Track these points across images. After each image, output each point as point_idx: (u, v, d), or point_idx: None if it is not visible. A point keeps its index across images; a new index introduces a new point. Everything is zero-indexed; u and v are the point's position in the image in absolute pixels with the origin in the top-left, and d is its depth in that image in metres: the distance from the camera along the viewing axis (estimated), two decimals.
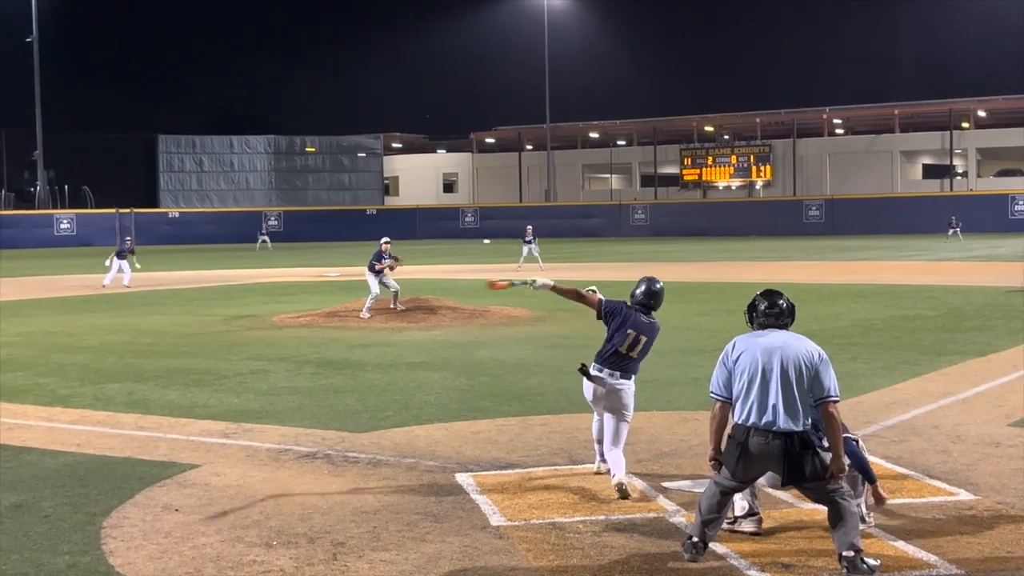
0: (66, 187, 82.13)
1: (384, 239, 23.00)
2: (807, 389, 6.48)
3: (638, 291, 8.59)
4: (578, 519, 7.49)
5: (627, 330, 8.41)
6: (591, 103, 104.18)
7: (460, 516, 7.60)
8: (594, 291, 8.75)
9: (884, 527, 7.21)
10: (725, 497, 6.69)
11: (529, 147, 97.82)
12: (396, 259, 22.45)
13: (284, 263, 44.75)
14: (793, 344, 6.62)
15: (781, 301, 6.86)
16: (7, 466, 9.37)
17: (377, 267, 22.03)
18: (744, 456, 6.51)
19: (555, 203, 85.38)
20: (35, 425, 11.23)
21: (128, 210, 75.31)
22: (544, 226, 77.18)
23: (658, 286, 8.62)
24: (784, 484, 6.76)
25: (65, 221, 73.99)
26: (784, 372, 6.49)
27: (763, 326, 6.80)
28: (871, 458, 8.43)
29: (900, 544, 6.88)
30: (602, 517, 7.54)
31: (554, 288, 8.84)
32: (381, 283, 21.99)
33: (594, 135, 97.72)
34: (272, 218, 79.21)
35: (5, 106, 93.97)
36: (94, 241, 71.40)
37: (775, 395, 6.47)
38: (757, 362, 6.55)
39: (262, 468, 9.15)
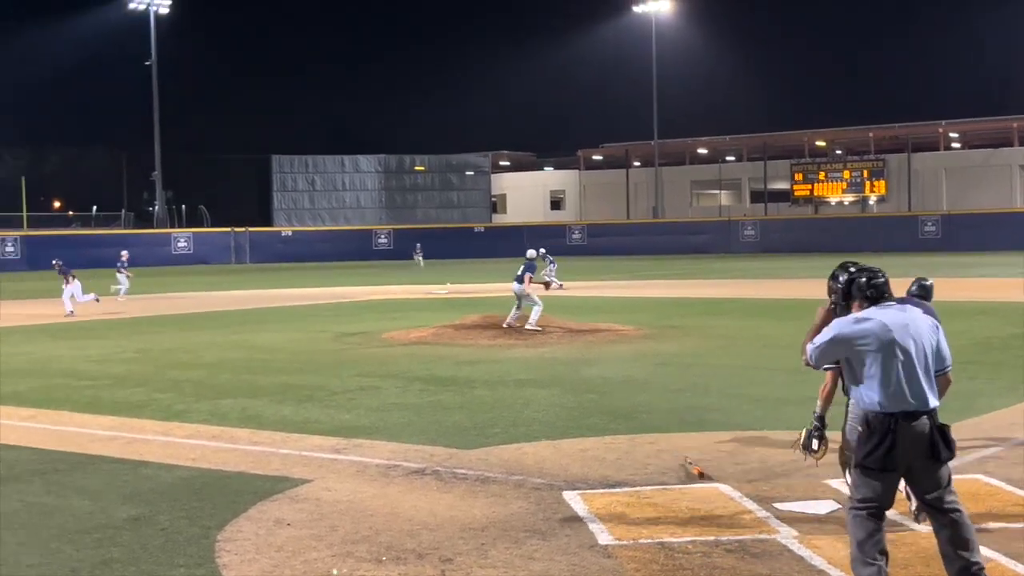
0: (183, 207, 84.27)
1: (530, 251, 22.66)
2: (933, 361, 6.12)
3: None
4: (687, 539, 7.40)
5: None
6: (699, 119, 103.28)
7: (568, 535, 7.57)
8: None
9: (1008, 552, 6.98)
10: (876, 520, 6.02)
11: (637, 164, 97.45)
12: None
13: (394, 280, 45.23)
14: (916, 316, 6.21)
15: (879, 270, 6.42)
16: (125, 479, 9.61)
17: (528, 280, 21.50)
18: (893, 445, 5.92)
19: (663, 220, 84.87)
20: (152, 439, 11.50)
21: (243, 229, 77.01)
22: (652, 243, 76.95)
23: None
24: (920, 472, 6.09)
25: (182, 240, 75.86)
26: (920, 348, 6.07)
27: (875, 300, 6.28)
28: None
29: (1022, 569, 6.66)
30: (712, 538, 7.43)
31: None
32: (524, 296, 21.53)
33: (703, 151, 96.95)
34: (382, 236, 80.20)
35: (126, 129, 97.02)
36: (210, 259, 73.13)
37: (922, 374, 6.04)
38: (893, 341, 6.02)
39: (372, 484, 9.24)
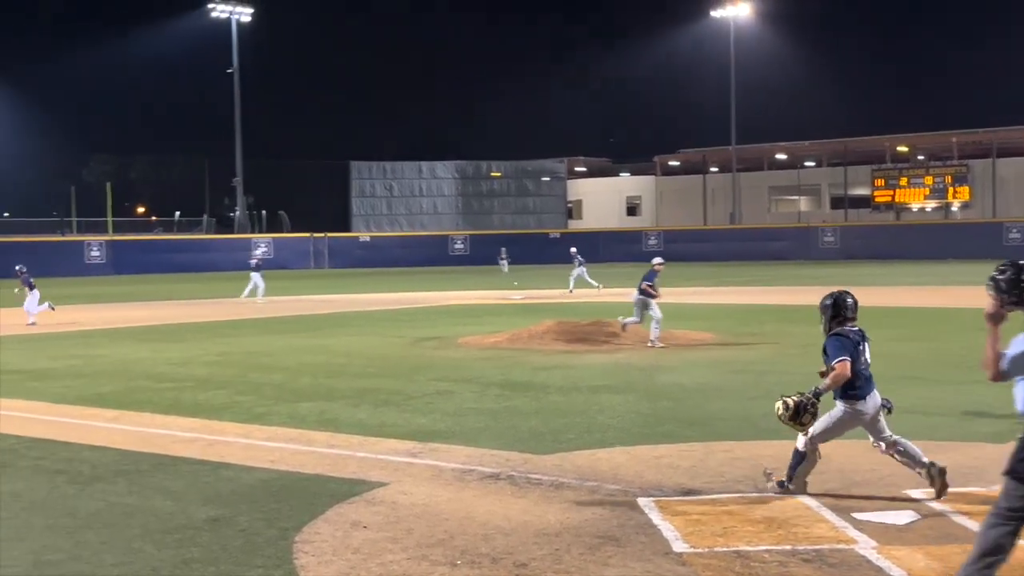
0: (264, 212, 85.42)
1: (657, 260, 21.29)
2: None
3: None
4: (763, 548, 7.35)
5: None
6: (778, 124, 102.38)
7: (642, 541, 7.55)
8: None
9: None
10: (1012, 537, 5.80)
11: (714, 169, 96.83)
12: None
13: (470, 286, 45.42)
14: None
15: None
16: (206, 480, 9.78)
17: (652, 291, 20.33)
18: None
19: (740, 226, 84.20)
20: (233, 441, 11.69)
21: (322, 234, 77.85)
22: (728, 249, 76.34)
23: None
24: None
25: (262, 245, 76.93)
26: None
27: None
28: None
29: None
30: (788, 547, 7.37)
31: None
32: (646, 310, 20.41)
33: (781, 156, 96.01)
34: (459, 241, 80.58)
35: (208, 135, 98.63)
36: (290, 264, 73.99)
37: None
38: None
39: (447, 488, 9.30)
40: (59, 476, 10.05)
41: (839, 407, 8.68)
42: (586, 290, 39.22)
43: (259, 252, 38.46)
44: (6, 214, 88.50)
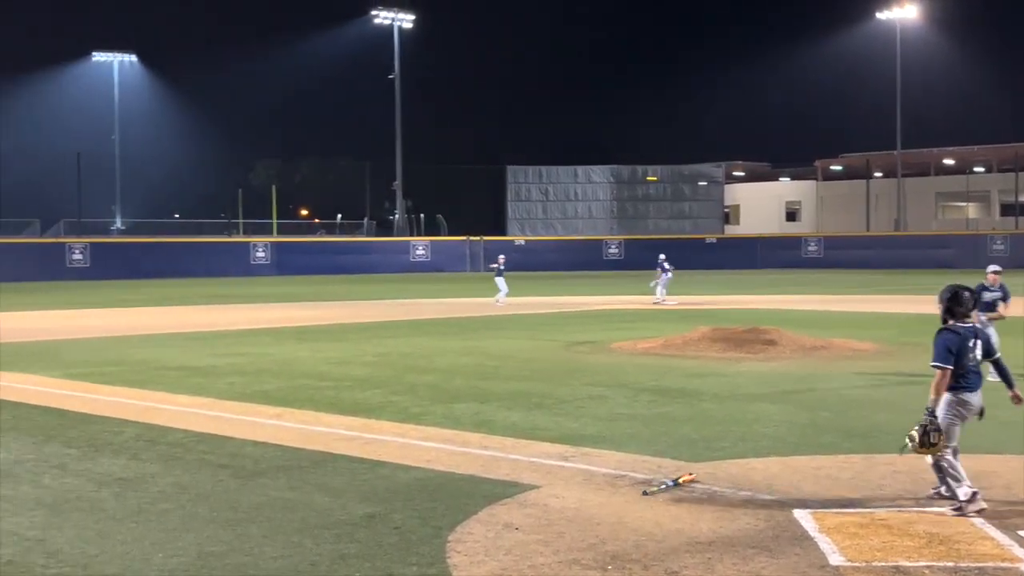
0: (422, 215, 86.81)
1: (992, 267, 17.84)
2: None
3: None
4: (924, 564, 7.12)
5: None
6: (945, 128, 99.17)
7: (797, 553, 7.41)
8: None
9: None
10: None
11: (878, 174, 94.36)
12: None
13: (624, 291, 45.27)
14: None
15: None
16: (363, 478, 9.98)
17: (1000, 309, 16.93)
18: None
19: (905, 232, 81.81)
20: (389, 440, 11.91)
21: (478, 237, 78.66)
22: (892, 257, 74.22)
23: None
24: None
25: (420, 248, 78.12)
26: None
27: None
28: None
29: None
30: (951, 564, 7.13)
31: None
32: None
33: (949, 161, 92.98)
34: (613, 246, 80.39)
35: (369, 140, 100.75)
36: (446, 267, 75.01)
37: None
38: None
39: (598, 492, 9.29)
40: (223, 470, 10.40)
41: (946, 399, 8.58)
42: (729, 296, 38.57)
43: (501, 258, 39.27)
44: (176, 216, 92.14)
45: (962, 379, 8.52)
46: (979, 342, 8.61)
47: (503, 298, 37.19)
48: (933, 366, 8.56)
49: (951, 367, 8.48)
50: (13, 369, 18.98)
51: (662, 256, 39.15)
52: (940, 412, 8.55)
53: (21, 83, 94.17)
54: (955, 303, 8.74)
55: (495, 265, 38.82)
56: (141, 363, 19.86)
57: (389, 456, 10.94)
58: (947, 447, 8.50)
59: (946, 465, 8.49)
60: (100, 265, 65.71)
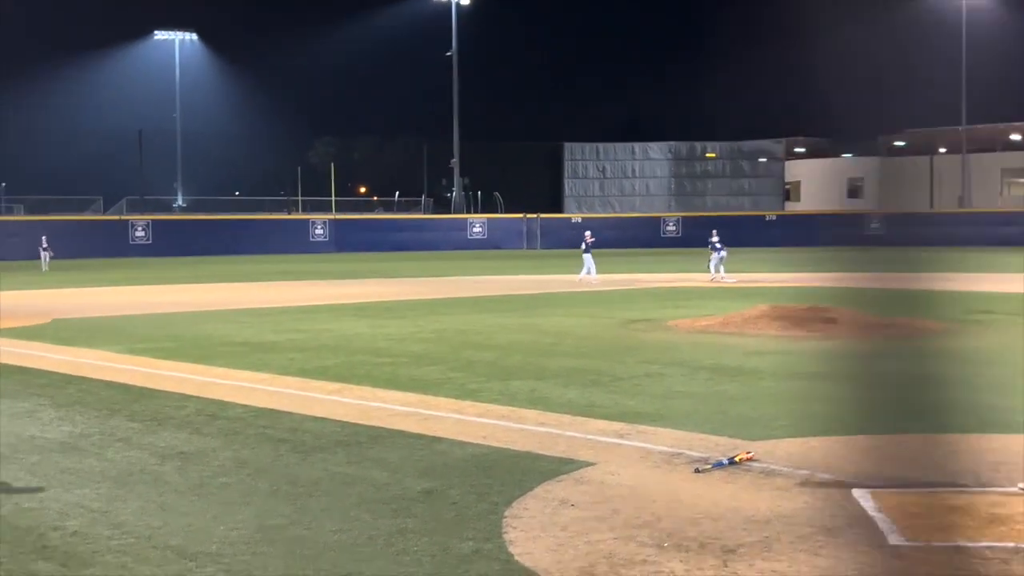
0: (479, 193, 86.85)
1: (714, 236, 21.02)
2: None
3: None
4: (985, 544, 7.04)
5: None
6: (1012, 102, 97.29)
7: (856, 532, 7.35)
8: None
9: None
10: None
11: (942, 150, 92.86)
12: None
13: (682, 268, 45.04)
14: None
15: None
16: (421, 454, 10.05)
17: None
18: None
19: (969, 210, 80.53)
20: (446, 416, 11.97)
21: (535, 215, 78.61)
22: (957, 234, 73.04)
23: None
24: None
25: (477, 225, 78.23)
26: None
27: None
28: None
29: None
30: (1011, 544, 7.04)
31: None
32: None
33: (1015, 137, 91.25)
34: (671, 223, 79.97)
35: (427, 118, 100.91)
36: (503, 244, 75.07)
37: None
38: None
39: (655, 470, 9.27)
40: (283, 445, 10.52)
41: None
42: (789, 274, 38.18)
43: (589, 234, 39.71)
44: (237, 193, 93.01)
45: None
46: None
47: (586, 275, 37.35)
48: None
49: None
50: (78, 344, 19.31)
51: (714, 233, 38.95)
52: None
53: (84, 63, 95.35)
54: None
55: (586, 242, 39.07)
56: (202, 339, 20.11)
57: (446, 432, 11.00)
58: None
59: None
60: (162, 242, 66.59)
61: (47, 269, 49.07)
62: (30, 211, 75.85)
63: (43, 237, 52.42)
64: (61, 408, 12.65)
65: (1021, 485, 8.31)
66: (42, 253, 51.22)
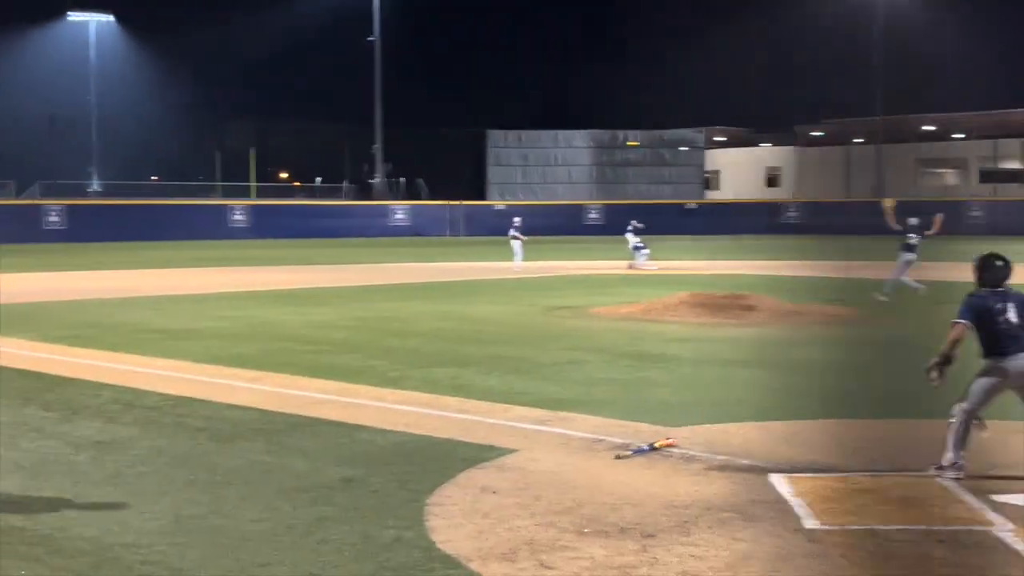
0: (402, 180, 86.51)
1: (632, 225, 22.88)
2: None
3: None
4: (897, 527, 7.20)
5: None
6: (925, 94, 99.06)
7: (772, 516, 7.47)
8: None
9: None
10: None
11: (858, 140, 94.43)
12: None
13: (604, 256, 45.30)
14: None
15: None
16: (341, 442, 10.00)
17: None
18: None
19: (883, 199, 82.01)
20: (368, 404, 11.91)
21: (458, 202, 78.51)
22: (872, 223, 74.32)
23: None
24: None
25: (400, 212, 77.91)
26: None
27: None
28: None
29: None
30: (923, 527, 7.21)
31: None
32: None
33: (929, 128, 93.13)
34: (593, 211, 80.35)
35: (348, 103, 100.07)
36: (426, 231, 74.82)
37: None
38: None
39: (576, 456, 9.33)
40: (201, 433, 10.39)
41: (981, 366, 8.61)
42: (709, 262, 38.64)
43: (517, 221, 39.78)
44: (154, 177, 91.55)
45: (999, 342, 8.49)
46: (1011, 305, 8.58)
47: (520, 261, 37.63)
48: (953, 324, 8.67)
49: (962, 322, 8.56)
50: None
51: (631, 223, 39.41)
52: (976, 377, 8.62)
53: None
54: (981, 270, 8.86)
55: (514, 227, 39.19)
56: (119, 326, 19.79)
57: (367, 420, 10.96)
58: (964, 409, 8.53)
59: (953, 423, 8.54)
60: (77, 227, 65.24)
61: None
62: None
63: None
64: None
65: (934, 468, 8.51)
66: None
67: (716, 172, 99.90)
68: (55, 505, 7.92)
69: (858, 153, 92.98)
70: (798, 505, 7.71)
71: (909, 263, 24.88)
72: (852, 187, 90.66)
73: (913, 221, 25.56)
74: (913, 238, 25.23)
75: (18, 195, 77.15)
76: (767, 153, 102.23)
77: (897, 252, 25.44)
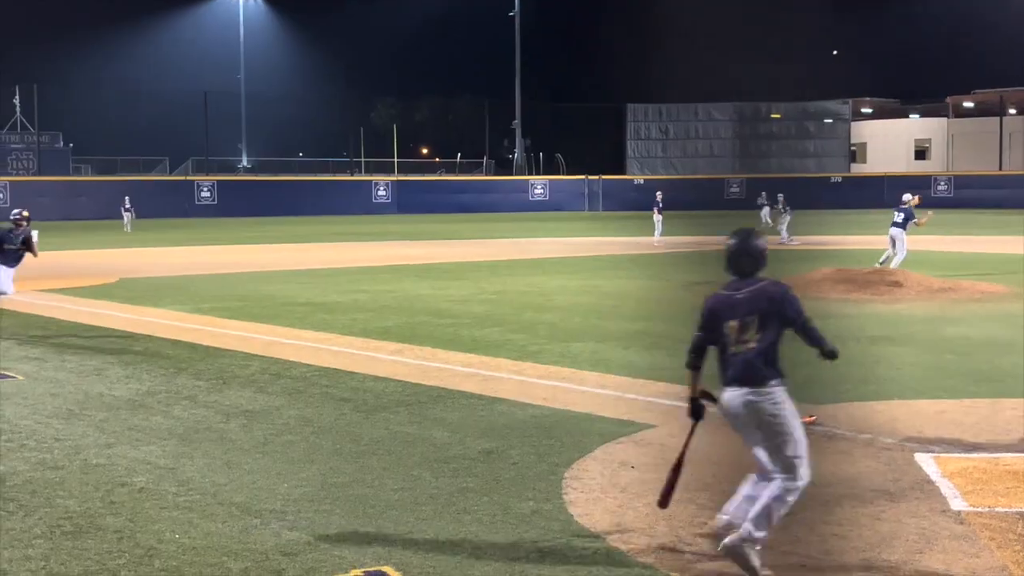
0: (541, 154, 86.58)
1: (908, 195, 24.87)
2: None
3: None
4: None
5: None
6: None
7: (918, 497, 7.30)
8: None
9: None
10: None
11: (1012, 111, 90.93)
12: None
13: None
14: None
15: None
16: (481, 415, 10.11)
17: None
18: None
19: None
20: (507, 378, 12.02)
21: (596, 176, 78.24)
22: None
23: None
24: None
25: (539, 187, 78.05)
26: None
27: None
28: None
29: None
30: None
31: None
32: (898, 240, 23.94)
33: None
34: (734, 185, 79.23)
35: (489, 79, 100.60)
36: (565, 206, 74.80)
37: None
38: None
39: (715, 433, 9.23)
40: (346, 404, 10.63)
41: None
42: (864, 237, 37.74)
43: (659, 196, 40.63)
44: (301, 154, 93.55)
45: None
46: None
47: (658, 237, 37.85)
48: None
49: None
50: (145, 303, 19.62)
51: (768, 196, 39.02)
52: None
53: (149, 24, 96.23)
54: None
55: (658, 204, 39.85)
56: (267, 298, 20.35)
57: (506, 393, 11.06)
58: None
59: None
60: (227, 202, 67.23)
61: (130, 229, 49.56)
62: (97, 171, 76.97)
63: (126, 198, 52.67)
64: (128, 366, 12.88)
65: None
66: (124, 213, 51.63)
67: (862, 144, 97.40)
68: (206, 471, 8.22)
69: (1012, 124, 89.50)
70: (945, 486, 7.52)
71: None
72: (1006, 161, 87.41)
73: None
74: None
75: (172, 171, 79.79)
76: (916, 125, 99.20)
77: None
